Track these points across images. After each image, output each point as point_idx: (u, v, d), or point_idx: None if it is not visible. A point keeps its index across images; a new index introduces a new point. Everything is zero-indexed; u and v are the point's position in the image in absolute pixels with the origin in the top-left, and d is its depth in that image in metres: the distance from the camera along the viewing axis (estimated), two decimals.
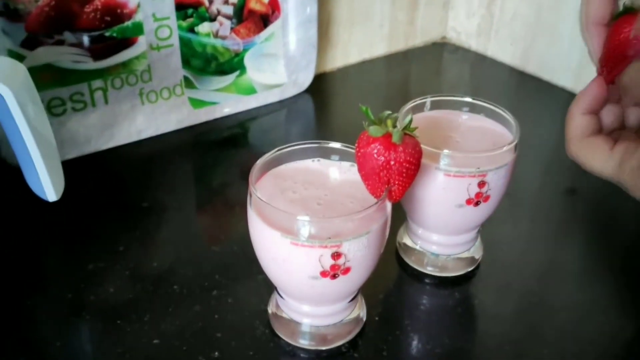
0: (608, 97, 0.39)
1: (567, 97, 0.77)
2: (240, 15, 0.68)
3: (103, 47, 0.61)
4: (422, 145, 0.42)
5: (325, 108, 0.77)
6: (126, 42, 0.62)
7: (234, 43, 0.69)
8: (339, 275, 0.37)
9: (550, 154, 0.65)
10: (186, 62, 0.66)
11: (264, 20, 0.70)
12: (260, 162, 0.40)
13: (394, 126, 0.37)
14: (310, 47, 0.74)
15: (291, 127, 0.73)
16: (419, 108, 0.49)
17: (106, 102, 0.63)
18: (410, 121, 0.37)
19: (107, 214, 0.55)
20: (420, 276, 0.49)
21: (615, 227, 0.56)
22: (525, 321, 0.45)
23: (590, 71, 0.39)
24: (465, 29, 0.90)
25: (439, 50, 0.91)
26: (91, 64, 0.61)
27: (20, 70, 0.43)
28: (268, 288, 0.45)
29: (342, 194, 0.40)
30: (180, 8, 0.63)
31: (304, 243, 0.35)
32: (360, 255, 0.37)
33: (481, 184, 0.43)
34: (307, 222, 0.35)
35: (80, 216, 0.54)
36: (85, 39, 0.59)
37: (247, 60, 0.71)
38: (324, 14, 0.78)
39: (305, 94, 0.76)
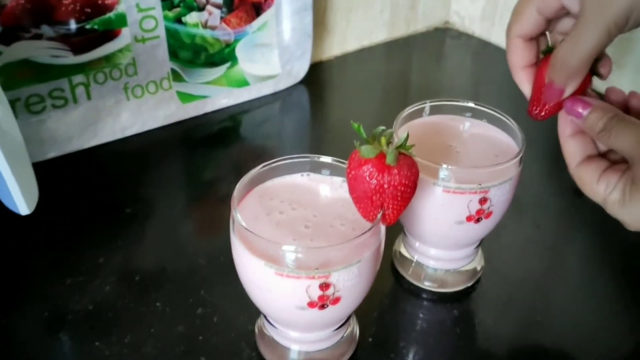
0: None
1: None
2: (231, 3, 0.64)
3: (84, 41, 0.57)
4: (419, 159, 0.39)
5: (321, 100, 0.74)
6: (109, 34, 0.58)
7: (225, 33, 0.65)
8: (327, 305, 0.34)
9: (556, 151, 0.62)
10: (174, 55, 0.63)
11: (256, 9, 0.66)
12: (244, 180, 0.37)
13: (389, 144, 0.34)
14: (306, 36, 0.70)
15: (286, 120, 0.70)
16: (417, 113, 0.46)
17: (89, 97, 0.59)
18: (407, 139, 0.34)
19: (87, 221, 0.52)
20: (417, 291, 0.46)
21: (622, 236, 0.53)
22: (529, 342, 0.43)
23: None
24: (469, 13, 0.86)
25: (442, 37, 0.87)
26: (71, 59, 0.57)
27: None
28: (256, 306, 0.43)
29: (333, 214, 0.37)
30: None
31: (290, 274, 0.33)
32: (351, 284, 0.34)
33: (482, 201, 0.40)
34: (293, 252, 0.33)
35: (58, 224, 0.52)
36: (65, 32, 0.56)
37: (239, 51, 0.67)
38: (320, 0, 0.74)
39: (301, 85, 0.73)
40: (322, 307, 0.34)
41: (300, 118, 0.71)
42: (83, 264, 0.47)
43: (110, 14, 0.57)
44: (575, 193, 0.56)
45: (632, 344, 0.43)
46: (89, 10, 0.56)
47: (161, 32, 0.61)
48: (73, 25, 0.56)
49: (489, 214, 0.41)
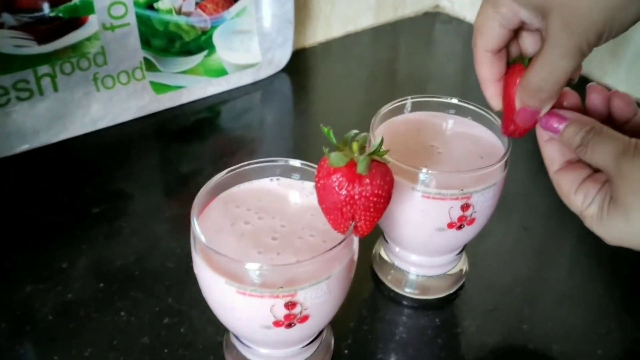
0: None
1: None
2: None
3: (48, 29, 0.54)
4: (398, 162, 0.36)
5: (304, 89, 0.71)
6: (75, 22, 0.55)
7: (201, 20, 0.62)
8: (295, 324, 0.32)
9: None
10: (146, 43, 0.60)
11: None
12: (207, 186, 0.35)
13: (362, 149, 0.31)
14: (287, 22, 0.67)
15: (267, 111, 0.67)
16: (399, 110, 0.43)
17: (55, 89, 0.56)
18: (381, 144, 0.31)
19: (51, 222, 0.49)
20: (397, 298, 0.44)
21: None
22: (515, 351, 0.41)
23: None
24: None
25: (431, 21, 0.84)
26: (36, 48, 0.54)
27: None
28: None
29: (302, 224, 0.34)
30: None
31: (252, 293, 0.30)
32: (320, 302, 0.32)
33: (465, 207, 0.37)
34: (256, 270, 0.30)
35: (20, 225, 0.49)
36: (28, 21, 0.52)
37: (216, 39, 0.64)
38: None
39: (282, 73, 0.70)
40: (289, 325, 0.32)
41: (282, 108, 0.68)
42: (45, 269, 0.45)
43: (76, 1, 0.54)
44: None
45: (622, 352, 0.41)
46: None
47: (131, 19, 0.58)
48: (36, 13, 0.53)
49: (471, 221, 0.38)
